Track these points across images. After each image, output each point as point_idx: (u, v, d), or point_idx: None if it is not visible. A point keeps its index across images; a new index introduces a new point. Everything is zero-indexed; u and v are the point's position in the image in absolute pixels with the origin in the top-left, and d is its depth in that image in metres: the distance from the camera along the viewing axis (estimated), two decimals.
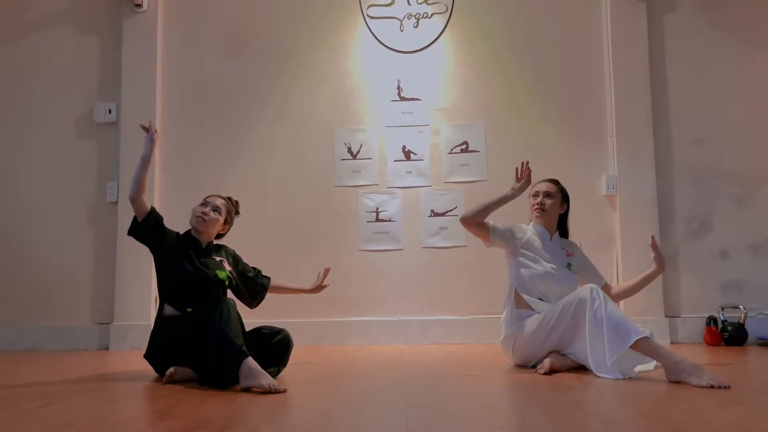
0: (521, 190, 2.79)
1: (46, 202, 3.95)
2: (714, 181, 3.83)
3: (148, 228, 2.65)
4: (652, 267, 2.85)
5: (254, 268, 2.89)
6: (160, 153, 3.93)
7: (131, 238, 3.78)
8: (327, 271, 3.06)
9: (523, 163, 2.83)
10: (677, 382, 2.22)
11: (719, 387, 2.10)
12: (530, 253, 2.79)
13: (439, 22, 4.01)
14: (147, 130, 2.67)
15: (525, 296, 2.74)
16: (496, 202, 2.79)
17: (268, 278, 2.92)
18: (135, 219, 2.66)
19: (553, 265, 2.77)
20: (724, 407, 1.80)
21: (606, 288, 2.87)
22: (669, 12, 3.94)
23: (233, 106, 4.00)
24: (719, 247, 3.78)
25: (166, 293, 2.61)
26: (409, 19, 4.02)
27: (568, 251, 2.88)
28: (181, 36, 4.04)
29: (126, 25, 3.95)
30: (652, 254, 2.85)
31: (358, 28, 4.03)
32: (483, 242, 2.88)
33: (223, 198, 2.80)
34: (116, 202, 3.87)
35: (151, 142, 2.66)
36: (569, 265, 2.84)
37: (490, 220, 2.81)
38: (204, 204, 2.72)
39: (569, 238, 2.97)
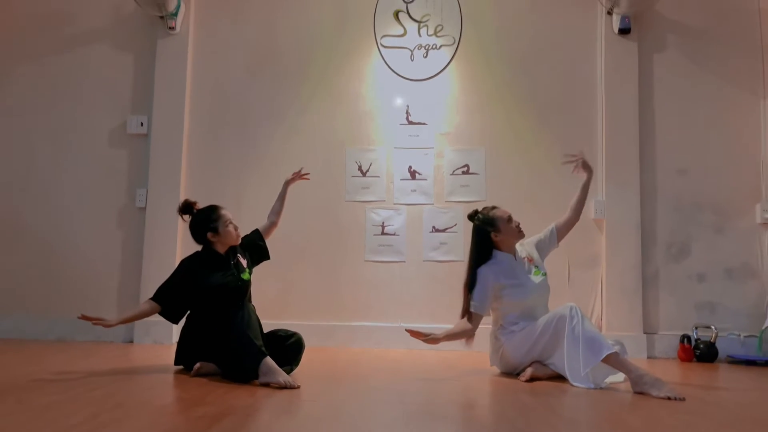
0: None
1: (80, 205, 4.24)
2: (694, 210, 4.11)
3: (176, 313, 2.91)
4: (585, 176, 3.18)
5: (248, 236, 3.14)
6: (186, 163, 4.25)
7: (158, 241, 4.17)
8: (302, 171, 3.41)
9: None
10: (641, 393, 2.51)
11: (675, 398, 2.40)
12: (504, 289, 2.99)
13: (446, 53, 4.30)
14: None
15: (509, 328, 2.99)
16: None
17: (257, 231, 3.20)
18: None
19: (527, 283, 3.01)
20: (674, 415, 2.12)
21: (558, 225, 3.20)
22: (658, 51, 4.23)
23: (254, 123, 4.30)
24: (696, 270, 4.07)
25: (200, 307, 2.88)
26: (419, 49, 4.31)
27: (527, 257, 3.11)
28: (209, 56, 4.34)
29: (159, 45, 4.25)
30: (577, 168, 3.18)
31: (372, 55, 4.32)
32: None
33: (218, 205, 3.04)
34: (144, 208, 4.16)
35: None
36: (536, 268, 3.08)
37: (473, 307, 2.98)
38: (231, 222, 2.96)
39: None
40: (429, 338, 2.91)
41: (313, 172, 4.23)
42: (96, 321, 2.72)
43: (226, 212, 3.00)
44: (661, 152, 4.17)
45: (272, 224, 3.29)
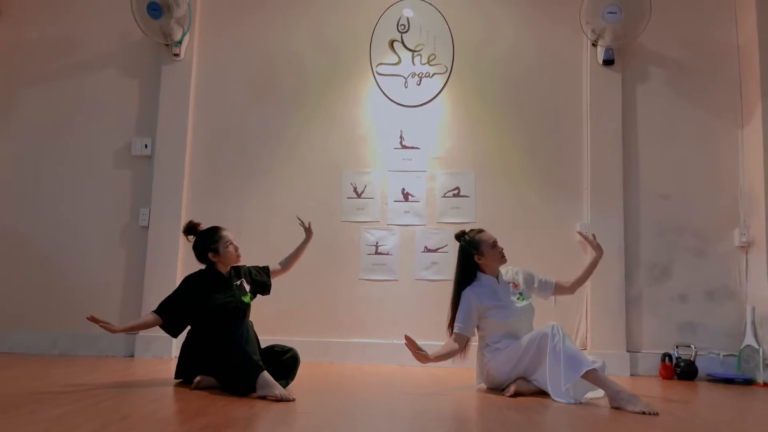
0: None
1: (85, 223, 4.38)
2: (676, 234, 4.28)
3: (176, 327, 3.07)
4: (594, 254, 3.30)
5: (256, 268, 3.34)
6: (188, 183, 4.40)
7: (159, 259, 4.32)
8: (299, 218, 3.58)
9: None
10: (617, 408, 2.66)
11: (649, 413, 2.55)
12: (488, 311, 3.15)
13: (439, 81, 4.48)
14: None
15: (494, 346, 3.15)
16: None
17: (267, 267, 3.39)
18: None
19: (512, 306, 3.17)
20: (645, 427, 2.27)
21: (559, 284, 3.33)
22: (641, 82, 4.43)
23: (254, 146, 4.46)
24: (678, 291, 4.22)
25: (200, 324, 3.03)
26: (413, 77, 4.50)
27: (514, 283, 3.26)
28: (211, 82, 4.51)
29: (164, 71, 4.43)
30: (588, 247, 3.31)
31: (368, 82, 4.50)
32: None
33: (222, 227, 3.20)
34: (147, 227, 4.31)
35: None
36: (520, 295, 3.23)
37: (457, 327, 3.14)
38: (231, 244, 3.13)
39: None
40: (420, 354, 3.03)
41: (309, 193, 4.42)
42: (103, 324, 2.85)
43: (227, 233, 3.16)
44: (644, 178, 4.35)
45: (283, 269, 3.48)
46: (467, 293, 3.19)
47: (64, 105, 4.53)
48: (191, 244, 3.17)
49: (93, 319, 2.84)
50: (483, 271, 3.25)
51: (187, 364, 2.98)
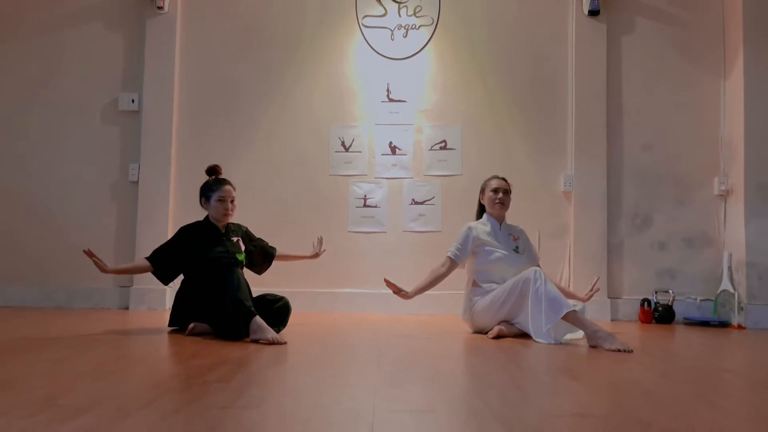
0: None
1: (75, 179, 4.41)
2: (657, 183, 4.38)
3: (167, 275, 3.10)
4: (581, 297, 3.32)
5: (260, 239, 3.39)
6: (176, 138, 4.42)
7: (150, 213, 4.37)
8: (321, 239, 3.57)
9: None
10: (595, 347, 2.80)
11: (624, 351, 2.68)
12: (483, 247, 3.33)
13: (425, 33, 4.48)
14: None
15: (481, 285, 3.30)
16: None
17: (274, 249, 3.43)
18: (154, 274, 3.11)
19: (504, 251, 3.33)
20: (618, 363, 2.39)
21: (539, 267, 3.40)
22: (626, 33, 4.44)
23: (241, 101, 4.47)
24: (658, 239, 4.35)
25: (193, 274, 3.08)
26: (399, 29, 4.49)
27: (514, 236, 3.44)
28: (197, 36, 4.49)
29: (149, 25, 4.39)
30: (587, 292, 3.31)
31: (354, 35, 4.49)
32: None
33: (232, 185, 3.19)
34: (137, 182, 4.36)
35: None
36: (516, 248, 3.39)
37: (452, 252, 3.32)
38: (222, 201, 3.11)
39: (519, 226, 3.53)
40: (402, 293, 3.19)
41: (298, 147, 4.46)
42: (96, 260, 2.93)
43: (227, 191, 3.13)
44: (627, 129, 4.41)
45: (283, 257, 3.48)
46: (469, 225, 3.43)
47: (48, 60, 4.50)
48: None
49: (89, 253, 2.92)
50: (490, 213, 3.45)
51: (181, 312, 3.06)
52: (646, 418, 1.48)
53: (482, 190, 3.50)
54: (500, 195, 3.42)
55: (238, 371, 2.02)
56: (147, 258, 3.10)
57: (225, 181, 3.18)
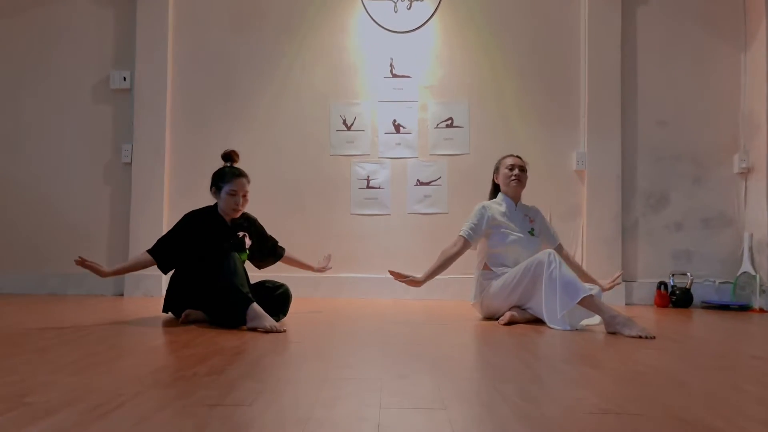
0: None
1: (66, 161, 4.25)
2: (673, 161, 4.20)
3: (169, 266, 2.88)
4: (601, 283, 3.20)
5: (271, 237, 3.17)
6: (170, 117, 4.25)
7: (145, 195, 4.20)
8: (329, 257, 3.37)
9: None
10: (614, 333, 2.63)
11: (646, 337, 2.52)
12: (498, 228, 3.14)
13: (430, 5, 4.27)
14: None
15: (493, 269, 3.12)
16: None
17: (283, 249, 3.23)
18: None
19: (519, 234, 3.14)
20: (640, 350, 2.23)
21: (558, 248, 3.26)
22: (641, 4, 4.23)
23: (239, 78, 4.29)
24: (674, 219, 4.17)
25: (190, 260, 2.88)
26: (402, 1, 4.28)
27: (530, 218, 3.25)
28: (191, 9, 4.28)
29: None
30: (609, 281, 3.22)
31: (356, 7, 4.29)
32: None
33: (246, 178, 2.91)
34: (130, 163, 4.20)
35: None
36: (532, 230, 3.21)
37: (464, 231, 3.13)
38: (233, 194, 2.85)
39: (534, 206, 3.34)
40: (409, 279, 3.02)
41: (298, 126, 4.28)
42: (90, 265, 2.72)
43: (241, 183, 2.88)
44: (642, 104, 4.22)
45: (289, 260, 3.29)
46: (483, 204, 3.24)
47: (36, 38, 4.32)
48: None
49: (81, 263, 2.70)
50: (505, 193, 3.27)
51: (175, 299, 2.91)
52: (684, 414, 1.32)
53: (496, 170, 3.32)
54: (516, 172, 3.23)
55: (231, 363, 1.86)
56: (149, 251, 2.88)
57: (240, 173, 2.91)
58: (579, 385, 1.65)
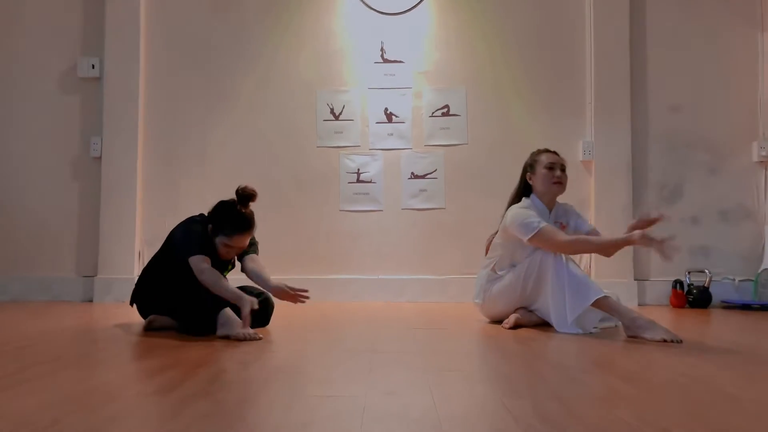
0: (644, 242, 2.44)
1: (30, 155, 3.94)
2: (687, 149, 3.91)
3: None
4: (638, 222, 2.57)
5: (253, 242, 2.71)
6: (143, 108, 3.95)
7: (116, 192, 3.87)
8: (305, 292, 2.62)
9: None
10: (634, 337, 2.33)
11: (672, 341, 2.22)
12: None
13: None
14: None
15: (500, 272, 2.73)
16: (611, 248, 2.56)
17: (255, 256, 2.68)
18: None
19: None
20: (671, 356, 1.93)
21: (593, 232, 2.81)
22: None
23: (218, 64, 3.99)
24: (689, 212, 3.88)
25: (160, 260, 2.55)
26: None
27: (562, 223, 2.80)
28: None
29: None
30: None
31: None
32: (522, 240, 2.62)
33: (252, 229, 2.54)
34: (99, 158, 3.89)
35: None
36: None
37: (538, 224, 2.57)
38: (229, 248, 2.50)
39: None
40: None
41: (281, 116, 3.98)
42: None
43: (242, 241, 2.51)
44: (652, 89, 3.94)
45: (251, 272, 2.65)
46: (521, 204, 2.72)
47: None
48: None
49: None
50: (537, 196, 2.78)
51: (142, 298, 2.57)
52: None
53: (530, 167, 2.78)
54: (557, 173, 2.74)
55: (186, 378, 1.55)
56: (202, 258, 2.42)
57: (248, 227, 2.50)
58: (608, 401, 1.34)
